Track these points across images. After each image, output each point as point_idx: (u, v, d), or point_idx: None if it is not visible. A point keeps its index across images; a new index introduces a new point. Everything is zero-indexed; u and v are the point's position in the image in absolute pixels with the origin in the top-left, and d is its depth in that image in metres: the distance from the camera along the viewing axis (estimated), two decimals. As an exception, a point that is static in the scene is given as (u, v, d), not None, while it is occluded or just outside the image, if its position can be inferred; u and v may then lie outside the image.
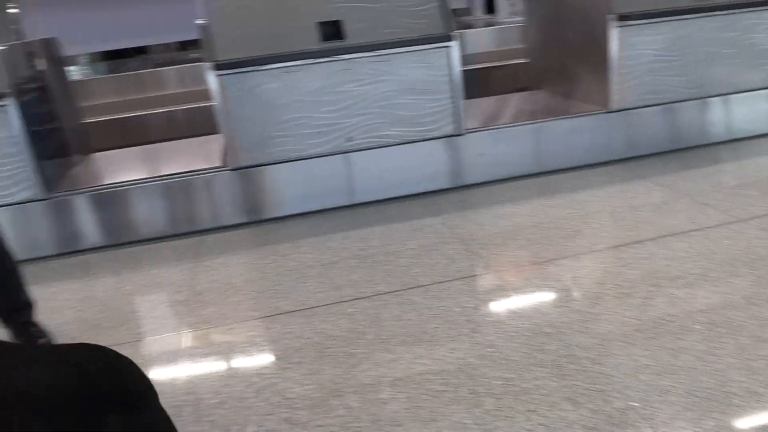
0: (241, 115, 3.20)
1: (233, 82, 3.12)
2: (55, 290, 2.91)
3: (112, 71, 7.40)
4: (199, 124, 5.35)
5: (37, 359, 1.07)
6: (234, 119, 3.20)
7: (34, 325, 2.44)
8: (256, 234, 3.30)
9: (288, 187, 3.40)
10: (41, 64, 3.45)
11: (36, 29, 5.48)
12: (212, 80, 3.11)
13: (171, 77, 6.45)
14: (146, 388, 1.13)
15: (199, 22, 3.11)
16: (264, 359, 2.21)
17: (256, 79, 3.14)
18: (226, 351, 2.28)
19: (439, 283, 2.58)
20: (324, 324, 2.37)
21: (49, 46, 3.70)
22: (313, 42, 3.15)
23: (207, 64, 3.09)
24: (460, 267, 2.71)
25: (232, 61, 3.09)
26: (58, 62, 3.81)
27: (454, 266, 2.72)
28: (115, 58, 8.76)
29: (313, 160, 3.36)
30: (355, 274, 2.74)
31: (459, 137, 3.48)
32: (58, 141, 3.55)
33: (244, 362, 2.21)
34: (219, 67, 3.08)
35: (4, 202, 3.10)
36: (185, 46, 9.06)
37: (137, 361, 1.16)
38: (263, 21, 3.16)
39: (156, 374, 2.20)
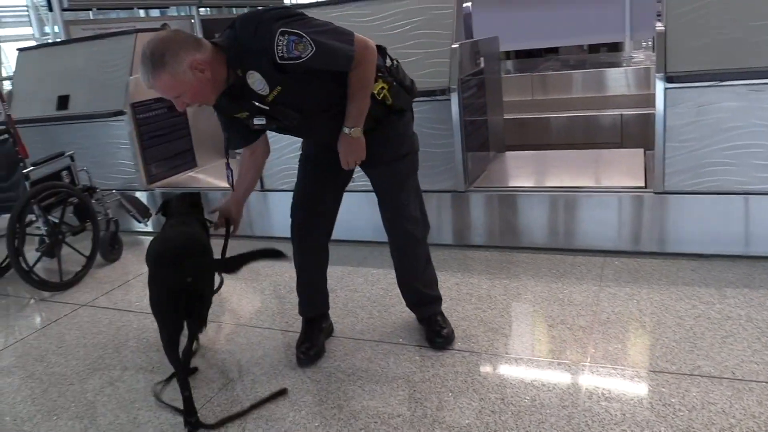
0: (683, 135, 2.82)
1: (684, 97, 2.76)
2: (457, 281, 3.00)
3: (519, 70, 7.58)
4: (597, 133, 5.09)
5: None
6: (674, 138, 2.84)
7: (441, 315, 2.51)
8: (668, 267, 2.90)
9: (717, 222, 2.90)
10: (482, 62, 3.57)
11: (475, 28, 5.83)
12: (659, 93, 2.79)
13: (577, 81, 6.29)
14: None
15: (657, 27, 2.81)
16: (680, 429, 1.87)
17: (712, 95, 2.72)
18: (632, 404, 2.00)
19: None
20: (761, 407, 1.91)
21: (490, 45, 3.83)
22: (797, 57, 2.59)
23: (656, 75, 2.78)
24: None
25: (688, 73, 2.73)
26: (496, 60, 3.94)
27: None
28: (524, 56, 8.99)
29: (757, 196, 2.80)
30: (807, 352, 2.17)
31: None
32: (482, 136, 3.66)
33: (656, 425, 1.90)
34: (671, 78, 2.75)
35: (429, 188, 3.30)
36: (597, 48, 8.83)
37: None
38: (733, 29, 2.70)
39: (551, 401, 2.04)
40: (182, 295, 2.04)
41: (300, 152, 2.41)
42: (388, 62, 2.21)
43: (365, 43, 2.02)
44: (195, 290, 2.07)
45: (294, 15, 1.95)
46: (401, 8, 3.36)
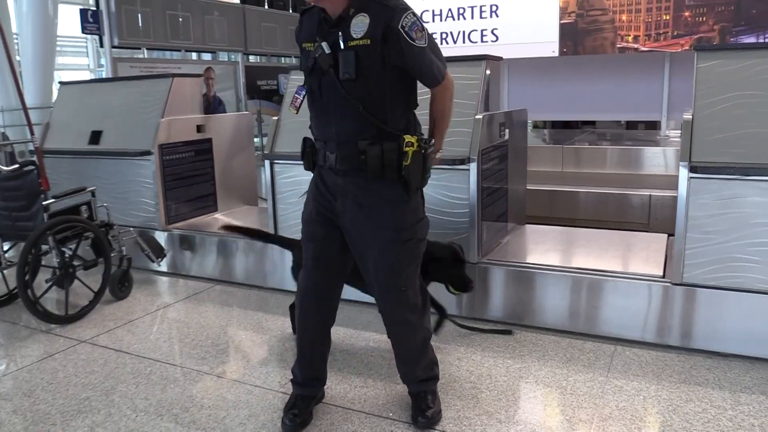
0: (706, 226, 2.73)
1: (708, 188, 2.68)
2: (460, 356, 2.90)
3: (553, 140, 7.55)
4: (624, 212, 4.97)
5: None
6: (696, 228, 2.74)
7: (432, 393, 2.41)
8: (682, 364, 2.76)
9: (737, 320, 2.77)
10: (507, 133, 3.55)
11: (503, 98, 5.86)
12: (682, 181, 2.72)
13: (608, 157, 6.21)
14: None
15: (685, 115, 2.76)
16: None
17: (737, 189, 2.64)
18: None
19: None
20: None
21: (518, 116, 3.82)
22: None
23: (681, 163, 2.72)
24: None
25: (713, 164, 2.66)
26: (522, 131, 3.92)
27: None
28: (561, 127, 8.97)
29: (782, 297, 2.68)
30: (822, 476, 2.01)
31: None
32: (501, 207, 3.60)
33: None
34: (695, 168, 2.68)
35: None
36: (635, 125, 8.77)
37: None
38: (761, 124, 2.64)
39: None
40: None
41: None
42: (426, 136, 2.25)
43: (451, 77, 2.24)
44: None
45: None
46: (429, 75, 3.37)
